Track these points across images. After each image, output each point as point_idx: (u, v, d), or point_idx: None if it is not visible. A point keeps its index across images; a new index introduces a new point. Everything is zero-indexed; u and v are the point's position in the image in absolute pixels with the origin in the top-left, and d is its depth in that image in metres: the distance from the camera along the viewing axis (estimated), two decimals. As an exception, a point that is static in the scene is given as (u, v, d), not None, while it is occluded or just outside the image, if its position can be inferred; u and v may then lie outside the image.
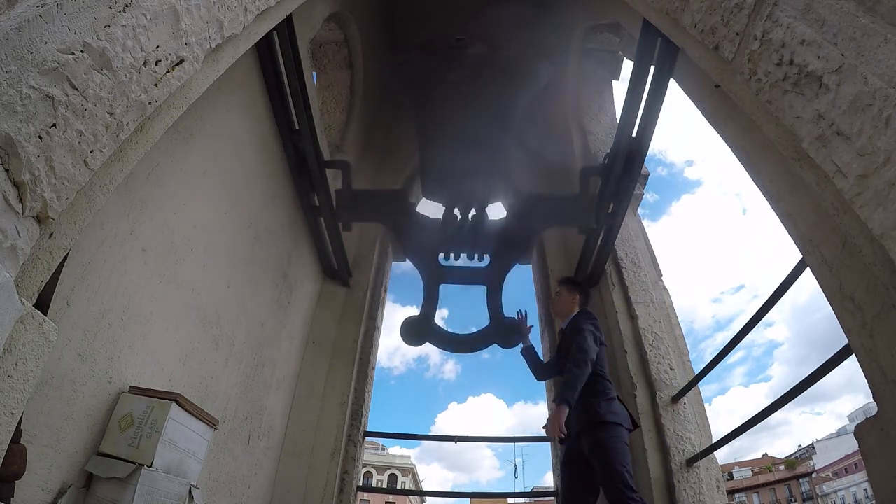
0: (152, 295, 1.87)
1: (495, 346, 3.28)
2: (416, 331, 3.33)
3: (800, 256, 1.62)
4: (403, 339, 3.39)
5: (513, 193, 3.60)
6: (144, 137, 1.21)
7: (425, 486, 32.86)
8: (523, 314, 3.00)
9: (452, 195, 3.44)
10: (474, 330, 3.43)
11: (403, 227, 3.51)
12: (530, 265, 4.59)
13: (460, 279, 3.55)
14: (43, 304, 1.10)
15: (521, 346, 2.95)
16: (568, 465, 2.47)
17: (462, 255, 3.52)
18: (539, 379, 2.95)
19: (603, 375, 2.45)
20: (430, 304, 3.42)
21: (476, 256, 3.49)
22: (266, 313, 2.96)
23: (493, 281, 3.48)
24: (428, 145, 3.49)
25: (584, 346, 2.37)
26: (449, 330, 3.43)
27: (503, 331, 3.31)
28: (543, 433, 2.47)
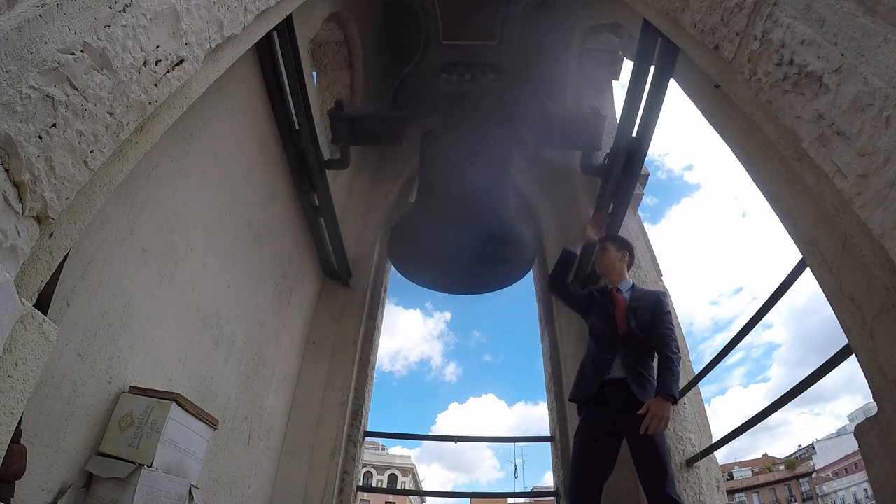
0: (152, 295, 1.87)
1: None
2: None
3: (799, 257, 1.62)
4: None
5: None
6: (144, 137, 1.21)
7: (425, 487, 32.86)
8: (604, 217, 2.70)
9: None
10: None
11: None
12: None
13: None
14: (43, 304, 1.10)
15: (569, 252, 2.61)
16: (591, 443, 2.20)
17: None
18: (555, 284, 2.64)
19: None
20: None
21: None
22: (266, 313, 2.96)
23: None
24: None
25: (677, 344, 2.23)
26: None
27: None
28: (545, 434, 2.42)
